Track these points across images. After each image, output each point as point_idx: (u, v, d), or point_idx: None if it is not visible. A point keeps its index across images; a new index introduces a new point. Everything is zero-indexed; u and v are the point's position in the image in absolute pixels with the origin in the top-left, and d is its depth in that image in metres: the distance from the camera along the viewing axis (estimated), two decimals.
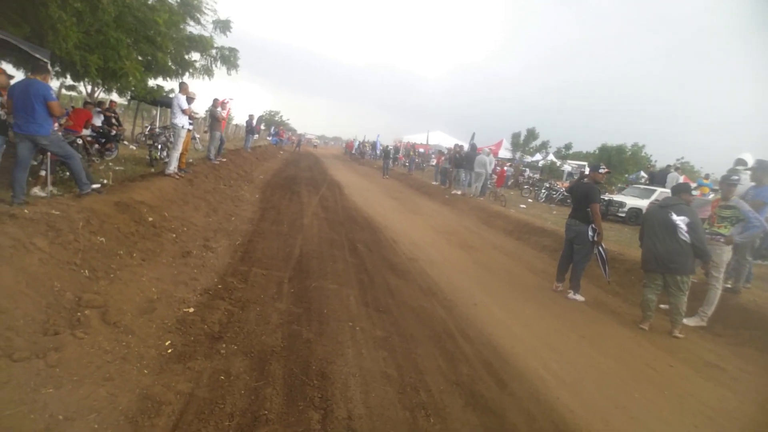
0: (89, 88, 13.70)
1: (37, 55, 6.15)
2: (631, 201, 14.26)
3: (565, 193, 16.57)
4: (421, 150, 31.78)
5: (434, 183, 18.93)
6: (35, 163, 6.62)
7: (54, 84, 12.95)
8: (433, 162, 24.75)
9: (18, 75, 9.51)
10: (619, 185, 19.86)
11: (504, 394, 3.25)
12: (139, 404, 2.48)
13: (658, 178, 15.44)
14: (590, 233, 5.78)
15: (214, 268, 4.92)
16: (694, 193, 8.47)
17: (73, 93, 14.97)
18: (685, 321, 5.17)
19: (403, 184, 19.64)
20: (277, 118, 49.98)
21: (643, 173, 22.76)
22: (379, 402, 2.90)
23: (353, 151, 38.97)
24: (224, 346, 3.30)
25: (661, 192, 13.76)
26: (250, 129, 19.84)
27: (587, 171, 6.49)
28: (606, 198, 15.02)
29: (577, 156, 29.29)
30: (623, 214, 14.09)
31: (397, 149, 31.41)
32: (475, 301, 5.22)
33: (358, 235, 7.76)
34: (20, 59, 9.38)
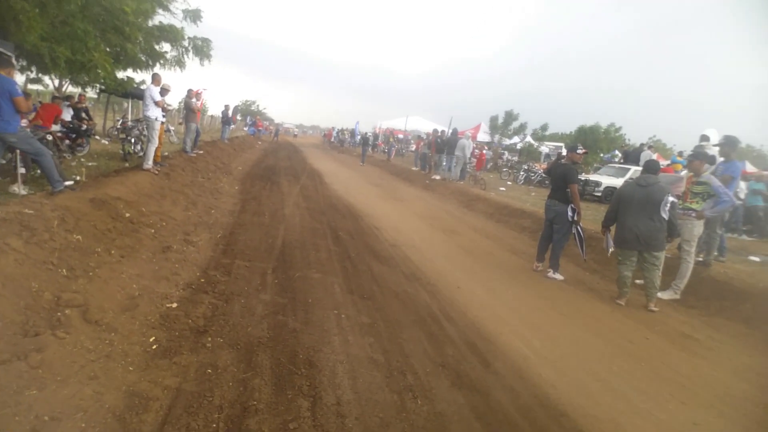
0: (56, 81, 13.25)
1: (1, 49, 5.91)
2: (607, 180, 14.58)
3: (543, 175, 16.82)
4: (401, 136, 31.74)
5: (414, 168, 18.98)
6: (4, 161, 6.43)
7: (19, 78, 12.49)
8: (413, 147, 24.76)
9: None
10: (594, 165, 20.22)
11: (488, 373, 3.33)
12: (126, 401, 2.48)
13: (632, 156, 15.75)
14: (570, 213, 5.91)
15: (195, 262, 4.88)
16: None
17: (39, 87, 14.42)
18: (659, 295, 5.35)
19: (383, 171, 19.63)
20: (253, 108, 49.11)
21: (617, 152, 23.22)
22: (367, 387, 2.95)
23: (332, 140, 38.65)
24: (210, 339, 3.29)
25: (635, 170, 14.08)
26: (226, 119, 19.49)
27: (564, 152, 6.60)
28: (582, 178, 15.32)
29: (554, 137, 29.66)
30: (599, 194, 14.42)
31: (376, 136, 31.32)
32: (458, 284, 5.31)
33: (340, 223, 7.76)
34: None
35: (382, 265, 5.70)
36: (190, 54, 11.29)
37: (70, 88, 14.42)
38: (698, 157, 5.57)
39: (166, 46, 11.24)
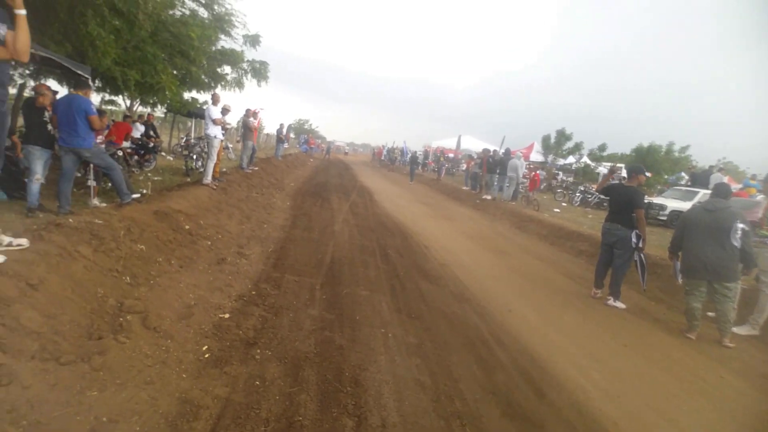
0: (128, 102, 14.31)
1: (79, 72, 6.45)
2: (673, 203, 13.70)
3: (600, 197, 16.08)
4: (451, 155, 31.56)
5: (465, 188, 18.74)
6: (79, 174, 6.97)
7: (95, 99, 13.60)
8: (464, 167, 24.52)
9: (62, 91, 10.04)
10: (658, 187, 19.12)
11: (543, 404, 3.14)
12: (178, 408, 2.53)
13: (700, 179, 14.78)
14: (634, 240, 5.55)
15: (247, 275, 5.00)
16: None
17: (112, 107, 15.66)
18: (735, 330, 4.90)
19: (433, 190, 19.54)
20: (306, 127, 50.76)
21: (683, 174, 21.85)
22: (413, 410, 2.86)
23: (382, 158, 39.08)
24: (259, 351, 3.33)
25: (704, 194, 13.17)
26: (280, 137, 20.21)
27: (624, 173, 6.24)
28: (645, 201, 14.51)
29: (613, 158, 28.41)
30: (664, 217, 13.56)
31: (426, 155, 31.33)
32: (510, 307, 5.10)
33: (389, 240, 7.74)
34: (64, 75, 9.89)
35: (430, 284, 5.60)
36: (249, 76, 11.85)
37: (140, 108, 15.54)
38: None
39: (226, 69, 11.87)
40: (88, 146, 5.61)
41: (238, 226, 7.01)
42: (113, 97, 14.63)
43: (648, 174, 6.01)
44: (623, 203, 5.73)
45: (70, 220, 3.96)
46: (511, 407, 3.05)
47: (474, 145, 26.11)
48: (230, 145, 19.20)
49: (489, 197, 14.84)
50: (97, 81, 10.54)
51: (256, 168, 13.44)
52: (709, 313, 5.21)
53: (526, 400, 3.16)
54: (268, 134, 33.93)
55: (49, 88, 6.47)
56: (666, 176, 20.65)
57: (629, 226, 5.64)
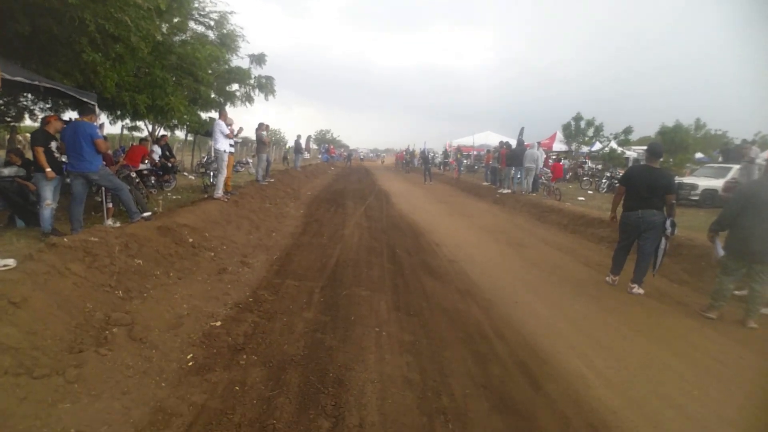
0: (150, 126, 14.85)
1: (85, 99, 6.70)
2: (704, 182, 13.01)
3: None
4: (474, 152, 31.12)
5: (485, 183, 18.41)
6: (99, 199, 7.22)
7: (117, 127, 14.14)
8: (484, 163, 24.14)
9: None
10: (687, 165, 18.22)
11: (537, 396, 2.97)
12: (150, 417, 2.52)
13: (733, 155, 13.96)
14: (669, 228, 5.19)
15: (247, 283, 5.01)
16: None
17: (135, 133, 16.32)
18: (763, 311, 4.53)
19: (452, 188, 19.31)
20: (328, 137, 51.33)
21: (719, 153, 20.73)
22: (395, 408, 2.75)
23: (403, 161, 39.01)
24: (245, 357, 3.30)
25: (736, 169, 12.42)
26: (298, 149, 20.46)
27: (645, 155, 5.73)
28: (676, 181, 13.85)
29: (644, 141, 27.31)
30: (696, 197, 12.88)
31: (447, 154, 31.04)
32: (516, 299, 4.91)
33: (399, 240, 7.64)
34: (75, 103, 10.33)
35: (435, 281, 5.46)
36: (256, 91, 12.07)
37: (161, 132, 16.11)
38: None
39: (234, 86, 12.13)
40: (95, 170, 5.79)
41: (245, 236, 7.07)
42: (136, 123, 15.23)
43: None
44: (654, 187, 5.27)
45: (65, 239, 4.07)
46: (502, 401, 2.89)
47: (492, 139, 25.62)
48: (250, 160, 19.60)
49: (508, 191, 14.49)
50: (117, 110, 10.98)
51: (273, 180, 13.60)
52: (736, 292, 4.85)
53: (519, 393, 2.99)
54: (288, 147, 34.51)
55: (58, 117, 6.75)
56: (697, 155, 19.68)
57: (662, 210, 5.28)
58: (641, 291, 5.31)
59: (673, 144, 19.73)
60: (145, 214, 6.37)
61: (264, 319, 4.03)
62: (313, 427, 2.52)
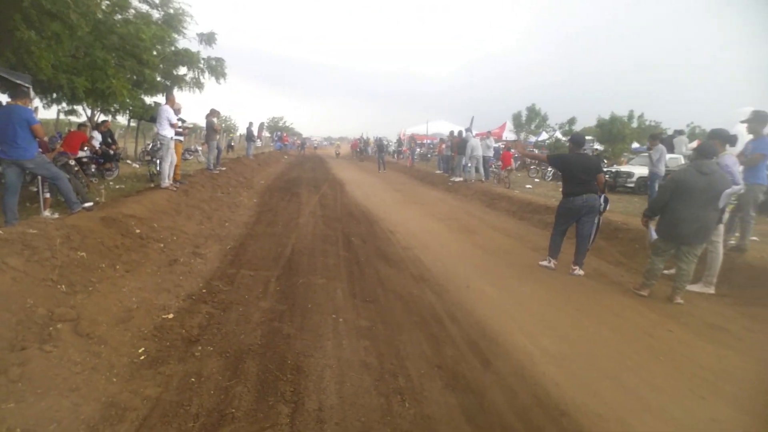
0: (89, 111, 13.95)
1: (18, 81, 6.23)
2: (639, 170, 13.89)
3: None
4: (427, 141, 31.49)
5: (437, 172, 18.75)
6: (34, 189, 6.77)
7: (50, 111, 13.20)
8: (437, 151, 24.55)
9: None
10: (625, 155, 19.40)
11: (487, 373, 3.14)
12: (102, 412, 2.46)
13: (665, 144, 14.96)
14: (603, 204, 5.71)
15: (201, 274, 4.91)
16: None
17: (73, 117, 15.26)
18: (690, 287, 4.97)
19: (406, 176, 19.54)
20: (281, 124, 50.18)
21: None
22: (353, 391, 2.83)
23: (358, 150, 38.86)
24: (200, 348, 3.26)
25: (670, 158, 13.36)
26: (250, 136, 19.95)
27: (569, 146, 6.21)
28: (613, 169, 14.71)
29: (587, 132, 28.69)
30: (632, 185, 13.78)
31: (401, 142, 31.26)
32: (468, 284, 5.11)
33: (354, 229, 7.69)
34: (6, 85, 9.56)
35: (390, 268, 5.57)
36: (206, 74, 11.61)
37: (101, 117, 15.17)
38: (714, 137, 5.12)
39: (183, 69, 11.61)
40: (30, 157, 5.42)
41: (196, 226, 6.88)
42: (74, 107, 14.25)
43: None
44: (589, 170, 5.68)
45: (0, 231, 3.81)
46: (455, 379, 3.04)
47: (445, 128, 26.05)
48: (199, 148, 18.90)
49: (460, 179, 14.85)
50: (49, 94, 10.22)
51: (224, 168, 13.22)
52: (666, 272, 5.29)
53: (471, 371, 3.16)
54: (241, 135, 33.49)
55: None
56: (635, 144, 20.95)
57: (596, 192, 5.67)
58: (582, 272, 5.67)
59: (611, 134, 20.87)
60: (86, 205, 6.06)
61: (219, 309, 3.98)
62: (272, 413, 2.55)
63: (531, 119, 26.90)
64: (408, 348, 3.48)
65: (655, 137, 9.79)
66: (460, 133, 15.85)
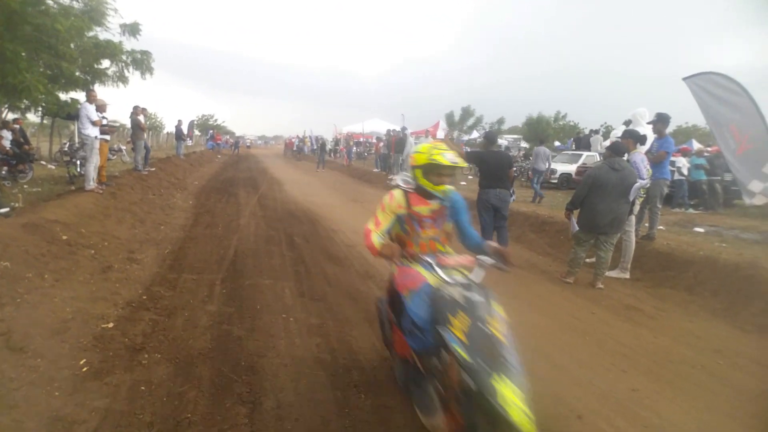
0: None
1: None
2: (561, 167, 15.00)
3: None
4: (362, 139, 31.67)
5: (375, 170, 19.00)
6: None
7: None
8: (374, 150, 24.83)
9: None
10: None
11: None
12: (48, 427, 2.35)
13: (583, 143, 16.27)
14: (513, 198, 6.16)
15: (139, 280, 4.71)
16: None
17: None
18: (608, 273, 5.51)
19: (344, 175, 19.60)
20: (212, 122, 48.13)
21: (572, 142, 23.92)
22: (309, 387, 2.91)
23: (294, 149, 38.22)
24: (146, 356, 3.18)
25: (586, 156, 14.56)
26: (180, 135, 19.04)
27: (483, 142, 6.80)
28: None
29: (514, 131, 30.34)
30: (555, 181, 14.82)
31: (338, 141, 31.21)
32: None
33: (296, 229, 7.67)
34: None
35: (335, 266, 5.66)
36: (130, 68, 10.95)
37: (9, 115, 13.79)
38: (627, 137, 5.71)
39: (105, 63, 10.86)
40: None
41: (129, 230, 6.54)
42: None
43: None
44: (502, 165, 6.12)
45: None
46: None
47: (380, 127, 26.40)
48: (123, 147, 17.74)
49: (396, 177, 15.17)
50: None
51: (153, 169, 12.56)
52: (587, 260, 5.82)
53: None
54: (169, 133, 31.79)
55: None
56: (556, 143, 22.47)
57: (507, 187, 6.13)
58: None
59: (537, 133, 22.31)
60: (2, 210, 5.60)
61: (163, 316, 3.87)
62: (230, 415, 2.57)
63: (465, 119, 27.98)
64: (360, 342, 3.60)
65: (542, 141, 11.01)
66: (397, 132, 16.17)
